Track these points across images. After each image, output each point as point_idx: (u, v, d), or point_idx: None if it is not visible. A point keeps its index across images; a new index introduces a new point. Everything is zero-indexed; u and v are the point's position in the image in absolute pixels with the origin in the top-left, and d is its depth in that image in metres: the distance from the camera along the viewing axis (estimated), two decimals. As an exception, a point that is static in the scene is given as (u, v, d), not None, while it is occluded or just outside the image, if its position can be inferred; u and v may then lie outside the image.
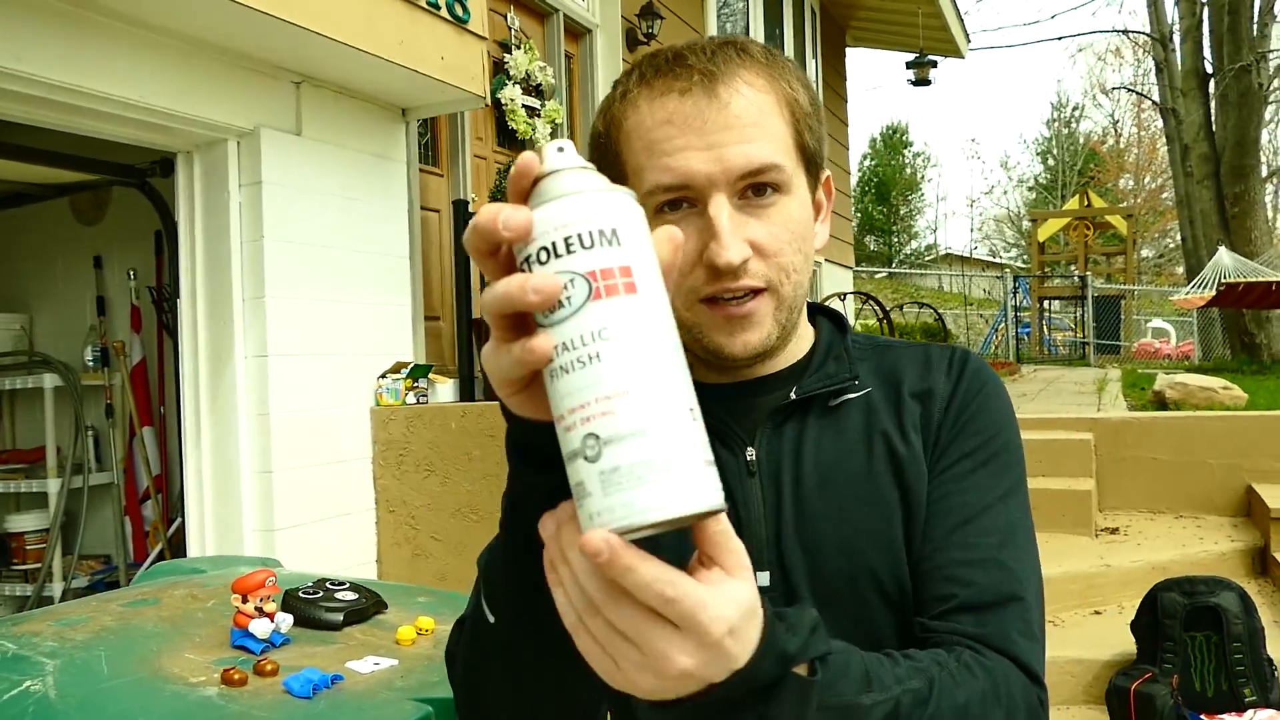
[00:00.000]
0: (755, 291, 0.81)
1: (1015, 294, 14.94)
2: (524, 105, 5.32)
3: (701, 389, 0.72)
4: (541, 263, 0.52)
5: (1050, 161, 33.22)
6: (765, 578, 0.83)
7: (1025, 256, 28.39)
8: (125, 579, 4.44)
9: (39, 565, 4.36)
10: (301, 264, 3.56)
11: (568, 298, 0.51)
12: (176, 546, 4.21)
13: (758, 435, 0.87)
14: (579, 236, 0.52)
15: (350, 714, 0.98)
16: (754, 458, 0.86)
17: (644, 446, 0.50)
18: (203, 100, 3.25)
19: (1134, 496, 4.35)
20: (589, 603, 0.54)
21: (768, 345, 0.84)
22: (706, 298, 0.81)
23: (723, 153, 0.78)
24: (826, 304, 1.02)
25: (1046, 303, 16.86)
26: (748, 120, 0.78)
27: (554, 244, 0.52)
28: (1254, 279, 9.72)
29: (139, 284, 4.53)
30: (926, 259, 35.29)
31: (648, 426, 0.50)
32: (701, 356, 0.85)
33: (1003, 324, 15.09)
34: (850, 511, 0.84)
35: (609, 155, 0.84)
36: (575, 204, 0.53)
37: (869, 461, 0.85)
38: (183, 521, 3.64)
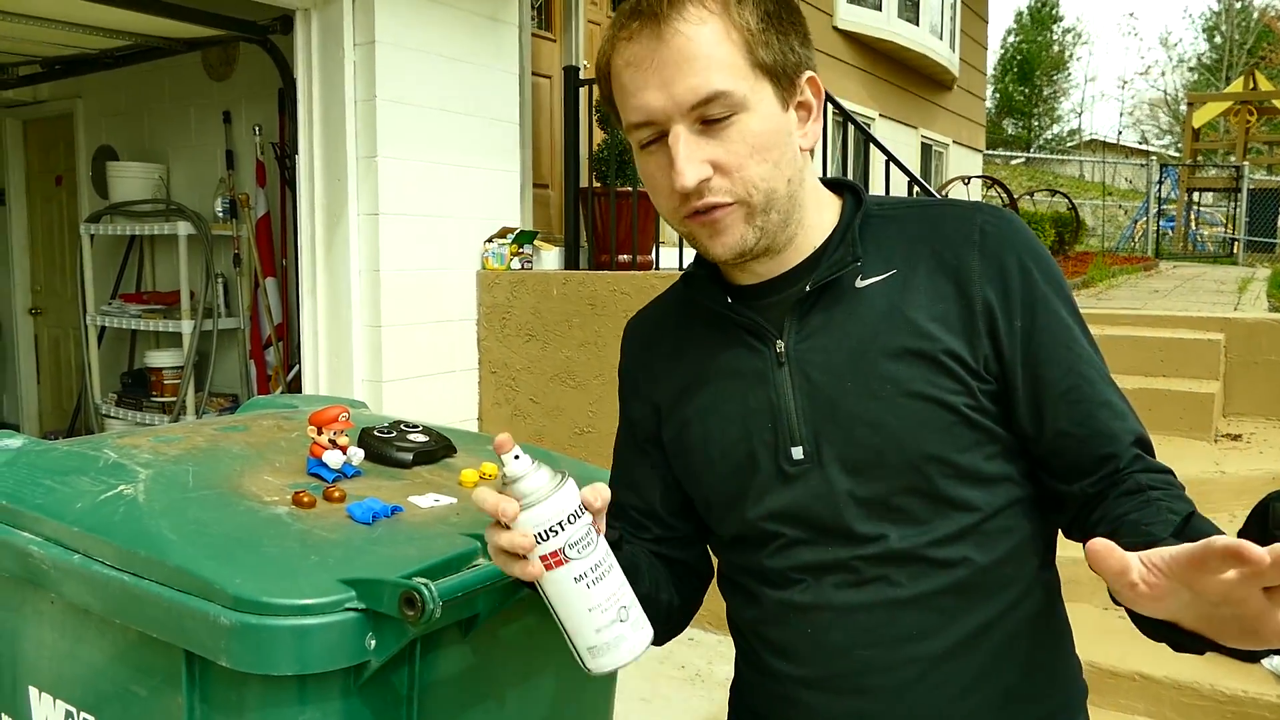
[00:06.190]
0: (722, 205, 0.90)
1: (1161, 185, 14.03)
2: (643, -34, 5.16)
3: (739, 291, 0.99)
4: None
5: (1217, 39, 30.50)
6: (799, 451, 0.94)
7: (1178, 145, 26.45)
8: (251, 420, 4.75)
9: (175, 399, 4.71)
10: (413, 125, 3.61)
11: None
12: (295, 391, 4.47)
13: (785, 327, 0.95)
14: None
15: (403, 541, 1.05)
16: (782, 349, 0.95)
17: None
18: (319, -45, 3.27)
19: (1264, 403, 4.13)
20: None
21: (747, 246, 0.92)
22: (687, 214, 0.91)
23: (672, 89, 0.87)
24: (855, 181, 1.04)
25: (1197, 195, 15.77)
26: (690, 54, 0.86)
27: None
28: None
29: (263, 140, 4.69)
30: (1069, 144, 33.27)
31: None
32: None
33: (1144, 218, 14.26)
34: (876, 388, 0.91)
35: (607, 94, 0.95)
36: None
37: (897, 340, 0.91)
38: (300, 368, 3.85)
